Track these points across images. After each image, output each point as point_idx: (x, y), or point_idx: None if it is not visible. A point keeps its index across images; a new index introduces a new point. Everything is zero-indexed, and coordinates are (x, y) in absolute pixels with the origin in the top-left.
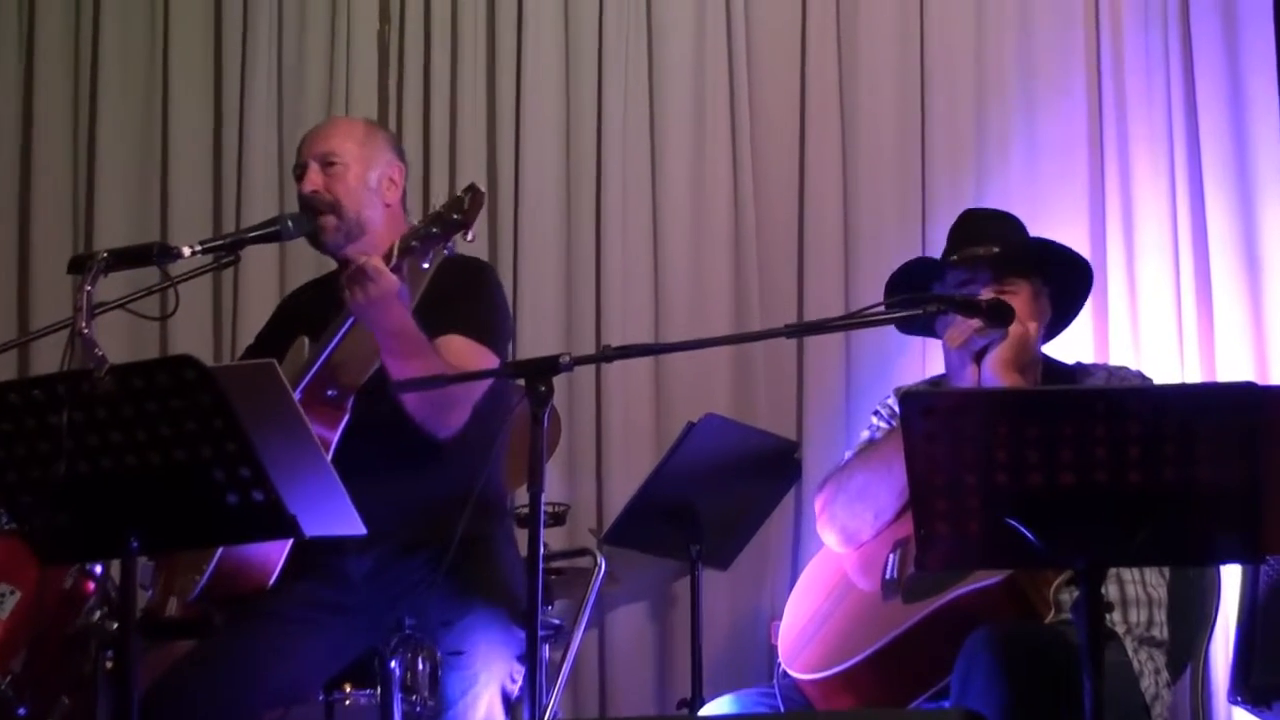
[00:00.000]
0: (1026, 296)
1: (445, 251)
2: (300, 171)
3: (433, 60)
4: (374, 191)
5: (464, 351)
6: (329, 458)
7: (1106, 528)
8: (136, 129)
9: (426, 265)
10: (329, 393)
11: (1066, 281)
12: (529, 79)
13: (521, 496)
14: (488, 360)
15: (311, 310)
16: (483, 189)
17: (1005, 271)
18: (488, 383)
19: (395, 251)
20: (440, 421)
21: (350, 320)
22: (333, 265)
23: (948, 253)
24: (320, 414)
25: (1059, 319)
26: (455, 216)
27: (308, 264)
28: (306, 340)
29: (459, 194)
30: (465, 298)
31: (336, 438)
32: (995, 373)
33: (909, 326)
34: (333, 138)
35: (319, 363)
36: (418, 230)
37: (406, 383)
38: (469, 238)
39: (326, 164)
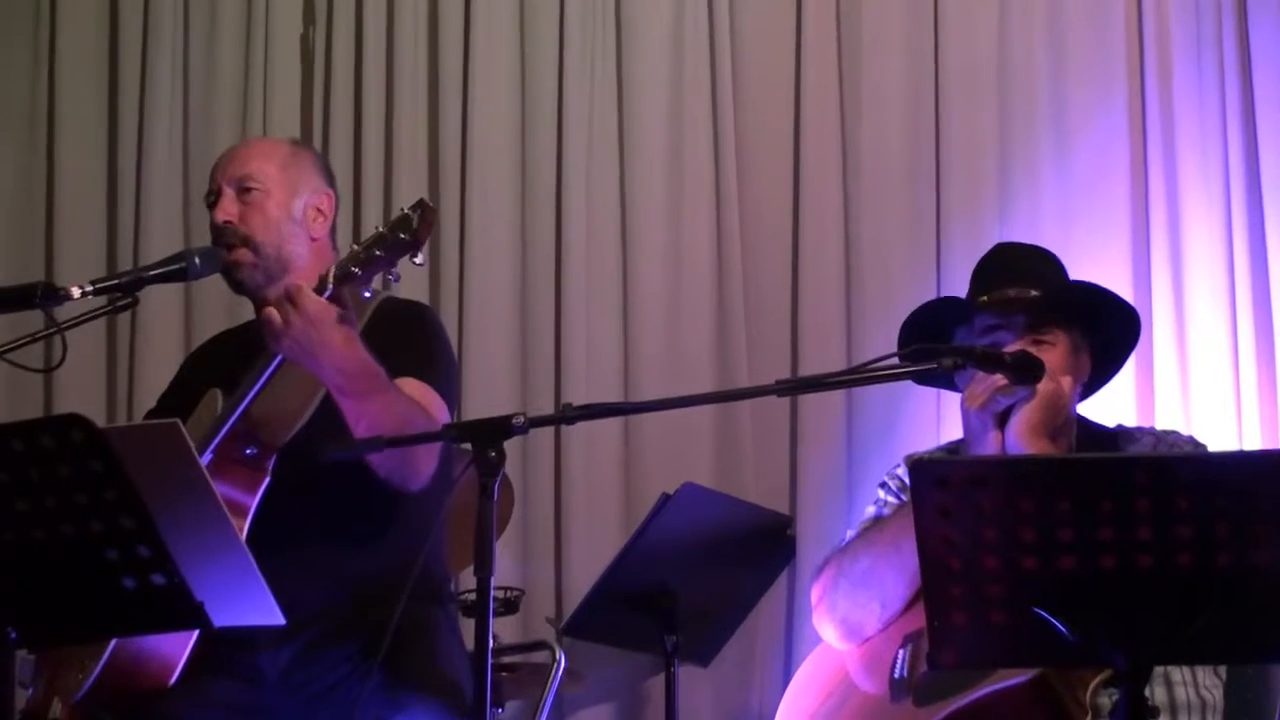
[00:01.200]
0: (1065, 350)
1: (391, 278)
2: (212, 199)
3: (365, 69)
4: (297, 223)
5: (420, 395)
6: (246, 526)
7: (1152, 619)
8: (15, 150)
9: (369, 295)
10: (247, 451)
11: (1110, 334)
12: (478, 93)
13: (467, 580)
14: (442, 411)
15: (224, 363)
16: (432, 204)
17: (1043, 320)
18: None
19: (330, 278)
20: (410, 470)
21: (274, 364)
22: (249, 311)
23: (975, 292)
24: (236, 476)
25: (1098, 376)
26: (402, 236)
27: (218, 308)
28: (219, 393)
29: (406, 210)
30: (409, 341)
31: (255, 504)
32: (1022, 438)
33: (925, 379)
34: (250, 160)
35: (235, 415)
36: (357, 254)
37: (346, 447)
38: (419, 260)
39: (242, 190)
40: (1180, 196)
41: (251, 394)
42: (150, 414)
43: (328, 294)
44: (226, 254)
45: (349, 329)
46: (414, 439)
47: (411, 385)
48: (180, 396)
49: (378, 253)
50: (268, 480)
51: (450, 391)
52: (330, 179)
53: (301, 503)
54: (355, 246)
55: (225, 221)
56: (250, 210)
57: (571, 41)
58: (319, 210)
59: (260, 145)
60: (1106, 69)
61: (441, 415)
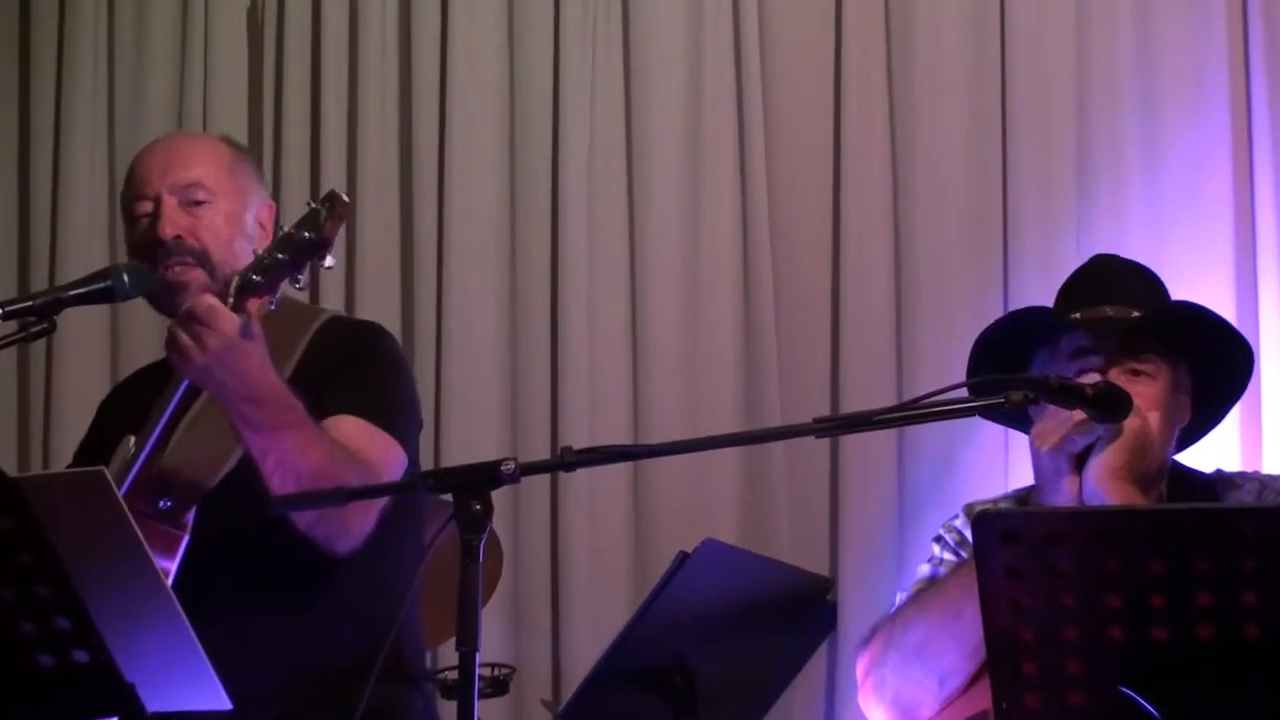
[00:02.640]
0: (1165, 384)
1: (297, 285)
2: (149, 208)
3: (324, 48)
4: (249, 239)
5: (359, 437)
6: None
7: (1256, 699)
8: None
9: (274, 306)
10: (160, 505)
11: (1216, 371)
12: (457, 70)
13: (447, 655)
14: (392, 452)
15: (143, 404)
16: (345, 196)
17: (1144, 346)
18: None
19: (232, 290)
20: (336, 528)
21: (179, 395)
22: None
23: (1065, 307)
24: (150, 535)
25: (1201, 423)
26: (307, 235)
27: (151, 334)
28: (132, 439)
29: (313, 205)
30: (354, 370)
31: (175, 568)
32: (1102, 483)
33: (991, 415)
34: (194, 163)
35: (141, 459)
36: (260, 260)
37: (282, 501)
38: (327, 263)
39: (189, 201)
40: None
41: (155, 433)
42: (75, 462)
43: (230, 308)
44: (177, 270)
45: (261, 351)
46: (371, 490)
47: (349, 424)
48: (99, 443)
49: (280, 256)
50: (187, 539)
51: (405, 430)
52: (265, 185)
53: (235, 562)
54: (257, 251)
55: (176, 238)
56: (200, 224)
57: (568, 14)
58: (261, 224)
59: (201, 145)
60: (1203, 54)
61: (390, 460)
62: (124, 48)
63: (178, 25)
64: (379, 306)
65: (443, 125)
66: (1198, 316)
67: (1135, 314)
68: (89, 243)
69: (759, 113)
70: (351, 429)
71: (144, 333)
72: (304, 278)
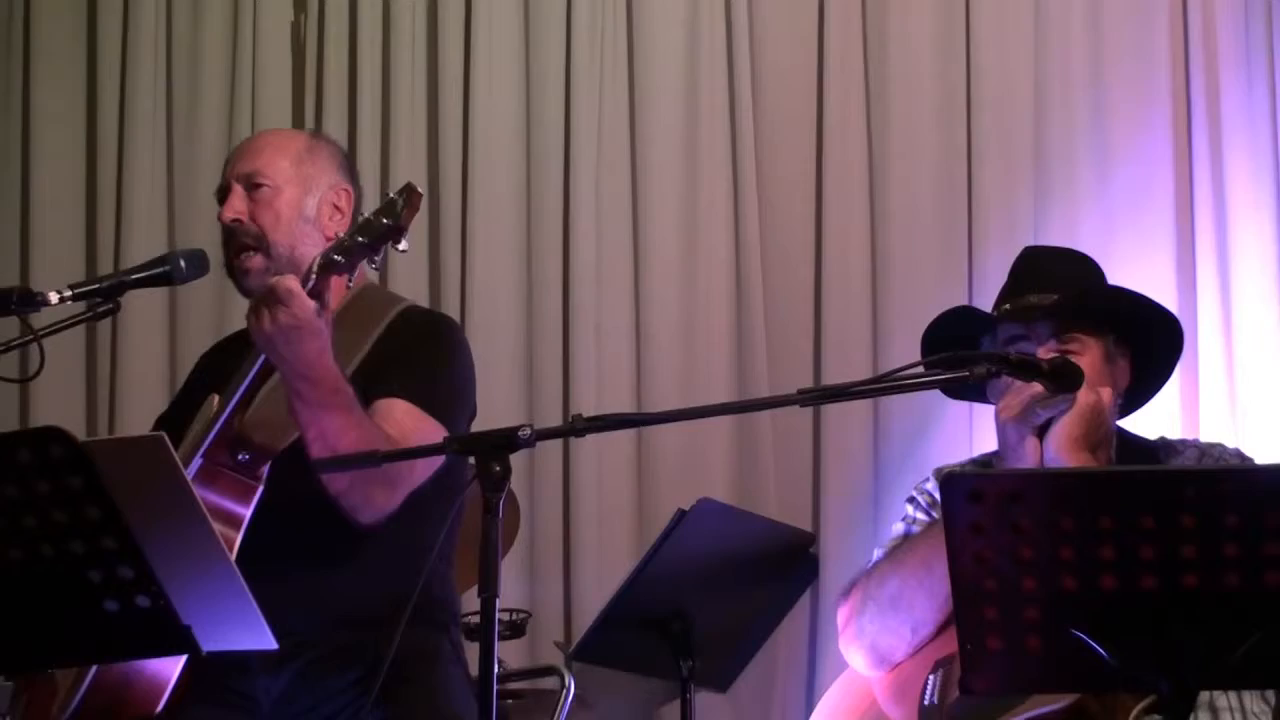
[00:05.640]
0: (1097, 356)
1: (373, 266)
2: (222, 195)
3: (360, 59)
4: (311, 222)
5: (405, 422)
6: (239, 540)
7: (1197, 642)
8: None
9: (351, 284)
10: (240, 457)
11: (1151, 343)
12: (479, 80)
13: (470, 601)
14: (434, 437)
15: (230, 365)
16: (420, 189)
17: (1068, 326)
18: (433, 465)
19: (314, 270)
20: (362, 499)
21: (260, 361)
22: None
23: (1000, 301)
24: (229, 484)
25: (1140, 390)
26: (385, 221)
27: (206, 313)
28: (217, 397)
29: (391, 195)
30: (418, 358)
31: (249, 514)
32: (1062, 451)
33: (957, 389)
34: (261, 153)
35: (224, 417)
36: (342, 241)
37: (328, 461)
38: (402, 247)
39: (252, 186)
40: (1228, 199)
41: (238, 395)
42: (158, 423)
43: (311, 286)
44: (236, 258)
45: (322, 335)
46: (408, 453)
47: (400, 408)
48: (187, 403)
49: (361, 239)
50: (261, 489)
51: (454, 418)
52: (350, 174)
53: (300, 517)
54: (340, 234)
55: (233, 220)
56: (260, 208)
57: (579, 22)
58: (336, 207)
59: (273, 138)
60: (1149, 68)
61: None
62: (181, 54)
63: (229, 32)
64: (405, 290)
65: (466, 122)
66: (1110, 294)
67: (1054, 297)
68: (149, 231)
69: (749, 118)
70: (401, 412)
71: (200, 313)
72: (379, 259)
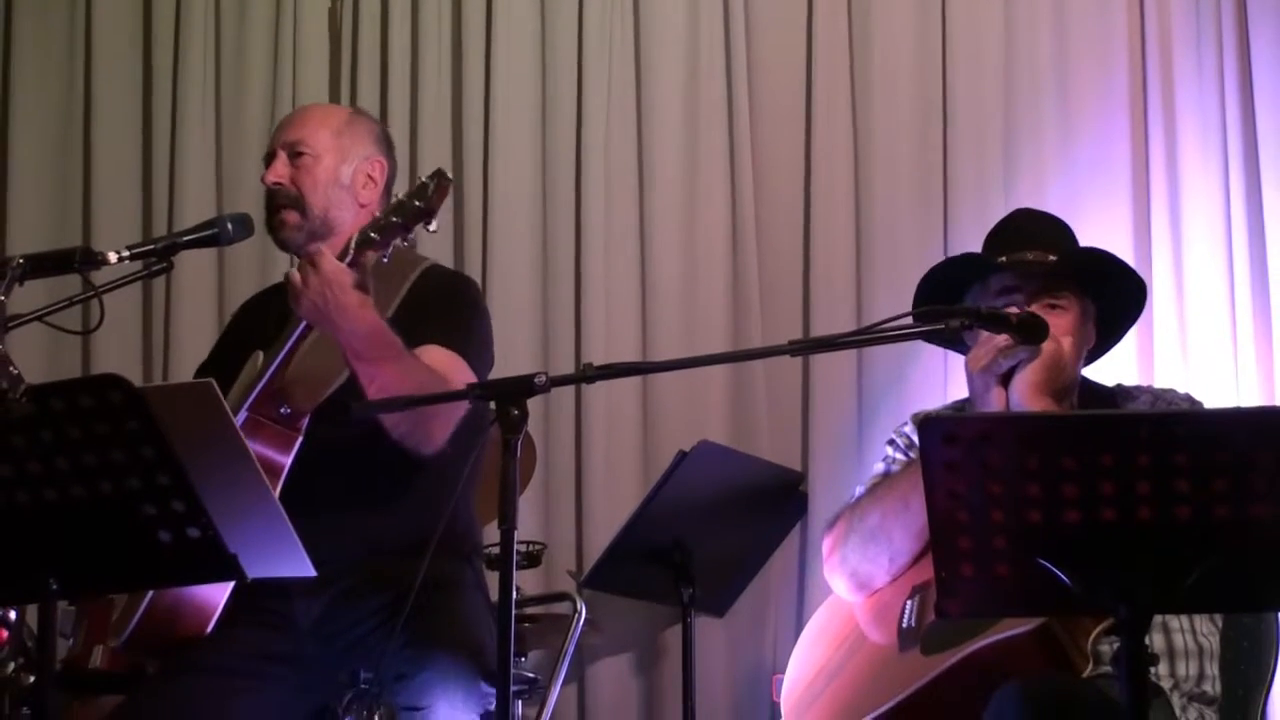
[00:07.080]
0: (1076, 315)
1: (404, 243)
2: (268, 160)
3: (391, 42)
4: (345, 188)
5: (443, 362)
6: (280, 485)
7: (1151, 570)
8: (54, 120)
9: (386, 259)
10: (281, 410)
11: (1117, 302)
12: (499, 64)
13: (491, 535)
14: (468, 378)
15: (269, 319)
16: (450, 175)
17: (1058, 284)
18: (465, 404)
19: (353, 245)
20: (423, 435)
21: (302, 326)
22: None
23: (993, 251)
24: (271, 435)
25: (1102, 344)
26: (418, 204)
27: (250, 271)
28: (261, 354)
29: (423, 179)
30: (445, 310)
31: (289, 463)
32: (1025, 396)
33: (934, 339)
34: (305, 125)
35: (268, 375)
36: (378, 220)
37: (367, 406)
38: (432, 228)
39: (294, 154)
40: (1180, 163)
41: (281, 355)
42: (199, 371)
43: (349, 259)
44: (274, 216)
45: (364, 295)
46: (434, 398)
47: (438, 353)
48: (227, 352)
49: (395, 219)
50: (301, 440)
51: (479, 363)
52: (387, 148)
53: (335, 463)
54: (376, 214)
55: (275, 182)
56: (300, 173)
57: (590, 24)
58: (369, 176)
59: (317, 111)
60: (1108, 46)
61: (465, 384)
62: (228, 38)
63: (272, 22)
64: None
65: (488, 101)
66: (1104, 260)
67: (1052, 258)
68: (200, 197)
69: (745, 98)
70: (439, 356)
71: (245, 272)
72: (412, 237)
